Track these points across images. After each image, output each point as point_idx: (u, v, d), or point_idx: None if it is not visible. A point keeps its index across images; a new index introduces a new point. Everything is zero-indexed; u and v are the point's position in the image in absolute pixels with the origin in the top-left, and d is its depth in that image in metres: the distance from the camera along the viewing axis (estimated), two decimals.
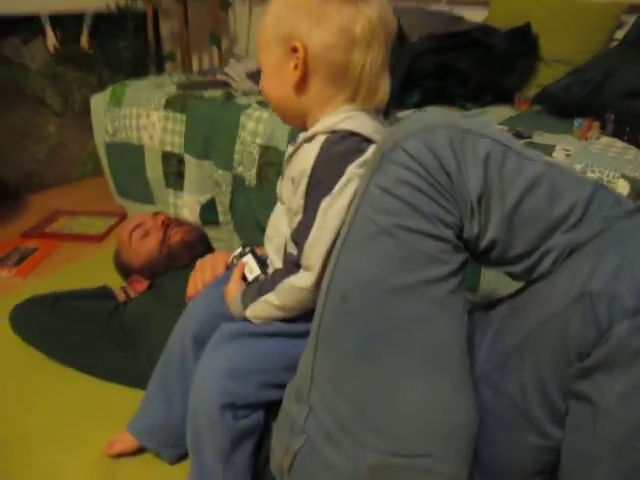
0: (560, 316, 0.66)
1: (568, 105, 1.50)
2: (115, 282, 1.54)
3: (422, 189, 0.69)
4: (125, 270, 1.50)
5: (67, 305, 1.39)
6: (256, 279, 0.98)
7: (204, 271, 1.13)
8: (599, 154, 1.27)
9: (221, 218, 1.83)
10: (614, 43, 1.76)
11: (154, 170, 1.93)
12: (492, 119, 1.55)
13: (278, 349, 0.90)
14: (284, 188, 0.92)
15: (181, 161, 1.84)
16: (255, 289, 0.92)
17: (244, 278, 1.00)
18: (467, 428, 0.73)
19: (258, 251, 1.04)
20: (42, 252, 1.94)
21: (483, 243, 0.72)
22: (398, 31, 1.78)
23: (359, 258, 0.72)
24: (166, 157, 1.88)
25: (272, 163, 1.59)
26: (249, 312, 0.91)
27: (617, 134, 1.36)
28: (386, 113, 0.94)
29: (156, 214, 1.54)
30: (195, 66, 2.76)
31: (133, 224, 1.50)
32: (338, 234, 0.78)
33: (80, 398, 1.27)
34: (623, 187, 1.13)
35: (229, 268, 1.10)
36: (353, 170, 0.80)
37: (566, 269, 0.69)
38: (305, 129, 0.89)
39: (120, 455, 1.12)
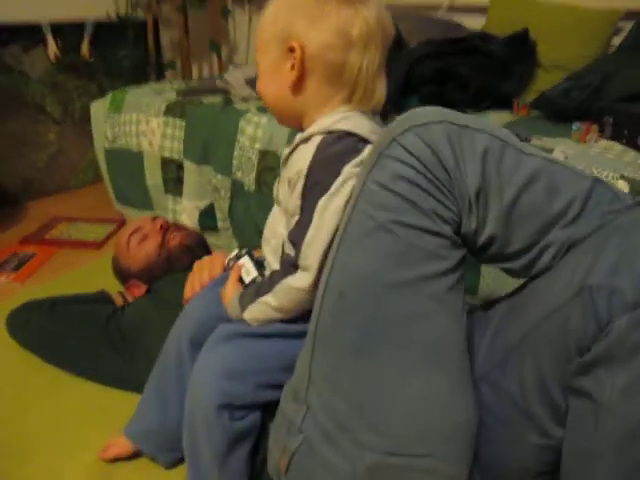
0: (560, 311, 0.65)
1: (567, 109, 1.50)
2: (113, 288, 1.54)
3: (420, 184, 0.68)
4: (123, 275, 1.50)
5: (64, 309, 1.38)
6: (253, 281, 0.97)
7: (202, 273, 1.12)
8: (598, 156, 1.27)
9: (220, 224, 1.82)
10: (611, 49, 1.76)
11: (153, 176, 1.93)
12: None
13: (275, 349, 0.89)
14: (281, 189, 0.92)
15: (180, 167, 1.84)
16: (252, 291, 0.92)
17: (241, 280, 0.99)
18: (466, 427, 0.72)
19: (255, 253, 1.04)
20: (40, 258, 1.94)
21: (481, 239, 0.72)
22: (396, 37, 1.79)
23: (357, 254, 0.71)
24: (165, 163, 1.88)
25: (271, 168, 1.59)
26: (247, 314, 0.91)
27: (615, 137, 1.36)
28: (384, 118, 0.94)
29: (155, 218, 1.54)
30: (195, 74, 2.77)
31: (131, 228, 1.50)
32: (335, 234, 0.77)
33: (77, 402, 1.26)
34: (622, 188, 1.13)
35: (226, 270, 1.10)
36: (350, 170, 0.80)
37: (565, 265, 0.69)
38: (302, 130, 0.89)
39: (116, 459, 1.11)
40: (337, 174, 0.80)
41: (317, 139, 0.83)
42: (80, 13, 2.41)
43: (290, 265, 0.86)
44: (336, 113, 0.84)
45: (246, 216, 1.69)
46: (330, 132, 0.82)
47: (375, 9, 0.82)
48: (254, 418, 0.90)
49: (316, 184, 0.82)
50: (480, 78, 1.67)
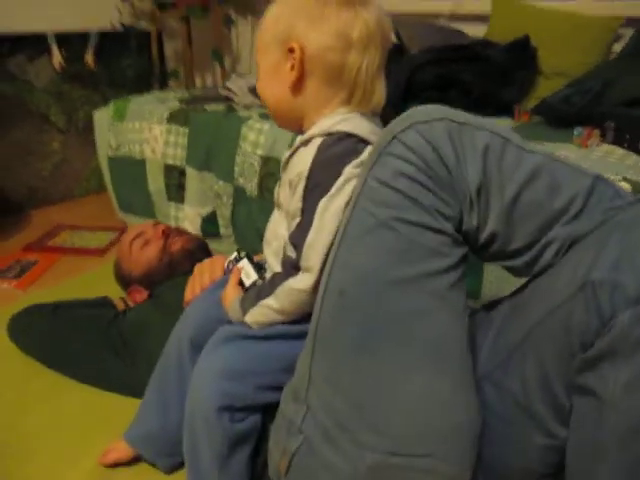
0: (563, 307, 0.65)
1: (568, 115, 1.51)
2: (115, 295, 1.53)
3: (421, 181, 0.68)
4: (125, 280, 1.50)
5: (66, 314, 1.38)
6: (253, 284, 0.96)
7: (202, 275, 1.12)
8: (599, 160, 1.27)
9: (222, 230, 1.83)
10: (612, 56, 1.77)
11: (156, 183, 1.94)
12: None
13: (276, 351, 0.89)
14: (281, 192, 0.92)
15: (182, 174, 1.85)
16: (253, 294, 0.91)
17: (241, 283, 0.99)
18: (468, 427, 0.72)
19: (255, 258, 1.03)
20: (43, 265, 1.94)
21: (483, 236, 0.71)
22: (398, 43, 1.79)
23: (358, 252, 0.71)
24: (168, 170, 1.89)
25: (273, 174, 1.59)
26: (248, 317, 0.90)
27: (617, 142, 1.36)
28: (385, 122, 0.94)
29: (156, 224, 1.54)
30: (198, 84, 2.79)
31: (133, 234, 1.50)
32: (336, 235, 0.77)
33: (77, 407, 1.26)
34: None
35: (226, 273, 1.09)
36: (350, 171, 0.80)
37: (567, 261, 0.69)
38: (302, 133, 0.89)
39: (116, 464, 1.10)
40: (338, 175, 0.80)
41: (317, 141, 0.83)
42: (85, 23, 2.43)
43: (291, 267, 0.86)
44: (336, 115, 0.84)
45: (248, 222, 1.69)
46: (330, 134, 0.82)
47: (375, 12, 0.82)
48: (254, 420, 0.90)
49: (317, 186, 0.82)
50: (481, 85, 1.68)
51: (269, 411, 0.89)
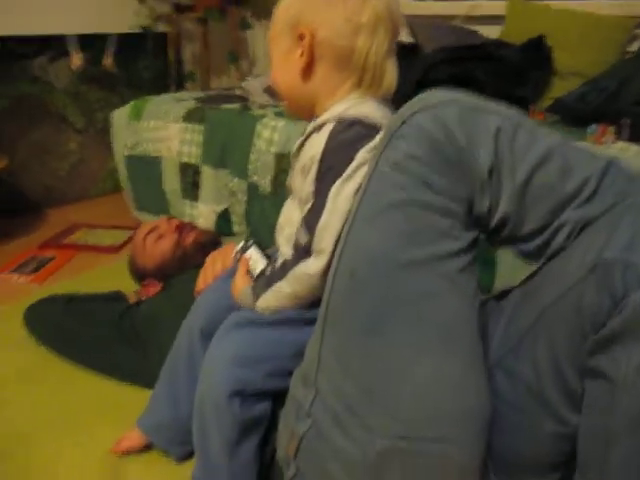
0: (574, 289, 0.64)
1: (583, 113, 1.50)
2: (129, 290, 1.54)
3: (432, 164, 0.68)
4: (139, 274, 1.51)
5: (80, 305, 1.41)
6: (262, 272, 0.97)
7: (214, 264, 1.13)
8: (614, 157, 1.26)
9: (236, 228, 1.84)
10: (627, 56, 1.76)
11: (171, 181, 1.96)
12: None
13: (287, 337, 0.89)
14: (294, 179, 0.93)
15: (197, 172, 1.87)
16: (265, 280, 0.92)
17: (249, 272, 0.99)
18: (479, 412, 0.71)
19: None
20: (59, 261, 1.96)
21: (495, 219, 0.71)
22: (412, 42, 1.80)
23: (368, 233, 0.71)
24: (183, 168, 1.90)
25: (287, 170, 1.59)
26: (260, 303, 0.91)
27: (633, 139, 1.35)
28: None
29: (170, 219, 1.56)
30: (214, 86, 2.82)
31: (147, 228, 1.52)
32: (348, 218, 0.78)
33: (90, 396, 1.27)
34: None
35: (234, 263, 1.10)
36: (363, 155, 0.81)
37: (579, 244, 0.68)
38: (314, 120, 0.90)
39: (127, 452, 1.11)
40: (350, 159, 0.81)
41: (329, 126, 0.84)
42: (105, 26, 2.48)
43: (303, 251, 0.86)
44: (347, 100, 0.85)
45: (262, 219, 1.70)
46: (342, 119, 0.83)
47: None
48: (264, 407, 0.90)
49: (330, 169, 0.82)
50: (495, 84, 1.67)
51: (279, 400, 0.90)
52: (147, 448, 1.11)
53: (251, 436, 0.90)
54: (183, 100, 2.02)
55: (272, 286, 0.89)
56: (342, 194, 0.81)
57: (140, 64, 2.62)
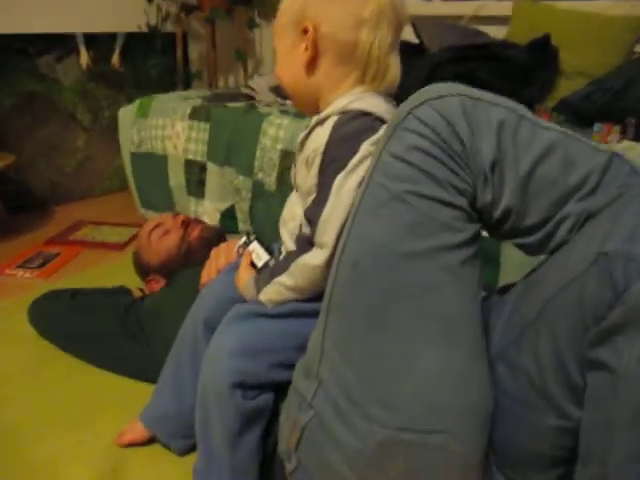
0: (576, 281, 0.64)
1: (589, 112, 1.50)
2: (134, 286, 1.55)
3: (435, 156, 0.69)
4: (144, 269, 1.52)
5: (84, 300, 1.41)
6: (265, 265, 0.98)
7: (218, 258, 1.13)
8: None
9: (240, 226, 1.84)
10: (634, 56, 1.75)
11: (176, 178, 1.97)
12: None
13: (289, 329, 0.89)
14: (298, 172, 0.93)
15: (203, 169, 1.88)
16: (268, 272, 0.92)
17: (252, 265, 1.00)
18: (480, 404, 0.71)
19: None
20: (64, 257, 1.98)
21: (497, 212, 0.71)
22: (418, 42, 1.79)
23: (371, 225, 0.71)
24: (189, 165, 1.92)
25: (292, 168, 1.61)
26: (263, 295, 0.91)
27: (638, 138, 1.35)
28: None
29: (176, 215, 1.56)
30: (221, 85, 2.84)
31: (153, 224, 1.52)
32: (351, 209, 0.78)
33: (93, 389, 1.28)
34: None
35: (237, 257, 1.10)
36: (367, 148, 0.81)
37: (582, 237, 0.68)
38: (318, 114, 0.90)
39: (130, 445, 1.11)
40: (354, 152, 0.81)
41: (333, 119, 0.85)
42: (113, 25, 2.50)
43: (306, 243, 0.86)
44: (351, 94, 0.85)
45: (267, 217, 1.71)
46: (345, 112, 0.84)
47: None
48: (266, 398, 0.90)
49: (333, 161, 0.83)
50: (501, 84, 1.67)
51: (281, 392, 0.90)
52: (149, 442, 1.12)
53: (253, 427, 0.90)
54: (189, 98, 2.03)
55: (275, 278, 0.89)
56: (345, 187, 0.81)
57: (148, 63, 2.64)
